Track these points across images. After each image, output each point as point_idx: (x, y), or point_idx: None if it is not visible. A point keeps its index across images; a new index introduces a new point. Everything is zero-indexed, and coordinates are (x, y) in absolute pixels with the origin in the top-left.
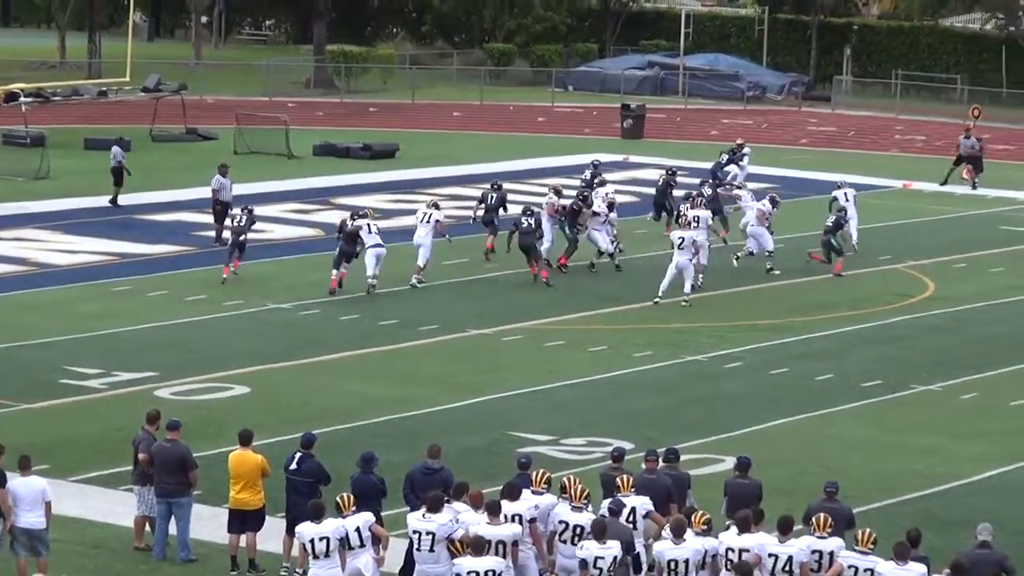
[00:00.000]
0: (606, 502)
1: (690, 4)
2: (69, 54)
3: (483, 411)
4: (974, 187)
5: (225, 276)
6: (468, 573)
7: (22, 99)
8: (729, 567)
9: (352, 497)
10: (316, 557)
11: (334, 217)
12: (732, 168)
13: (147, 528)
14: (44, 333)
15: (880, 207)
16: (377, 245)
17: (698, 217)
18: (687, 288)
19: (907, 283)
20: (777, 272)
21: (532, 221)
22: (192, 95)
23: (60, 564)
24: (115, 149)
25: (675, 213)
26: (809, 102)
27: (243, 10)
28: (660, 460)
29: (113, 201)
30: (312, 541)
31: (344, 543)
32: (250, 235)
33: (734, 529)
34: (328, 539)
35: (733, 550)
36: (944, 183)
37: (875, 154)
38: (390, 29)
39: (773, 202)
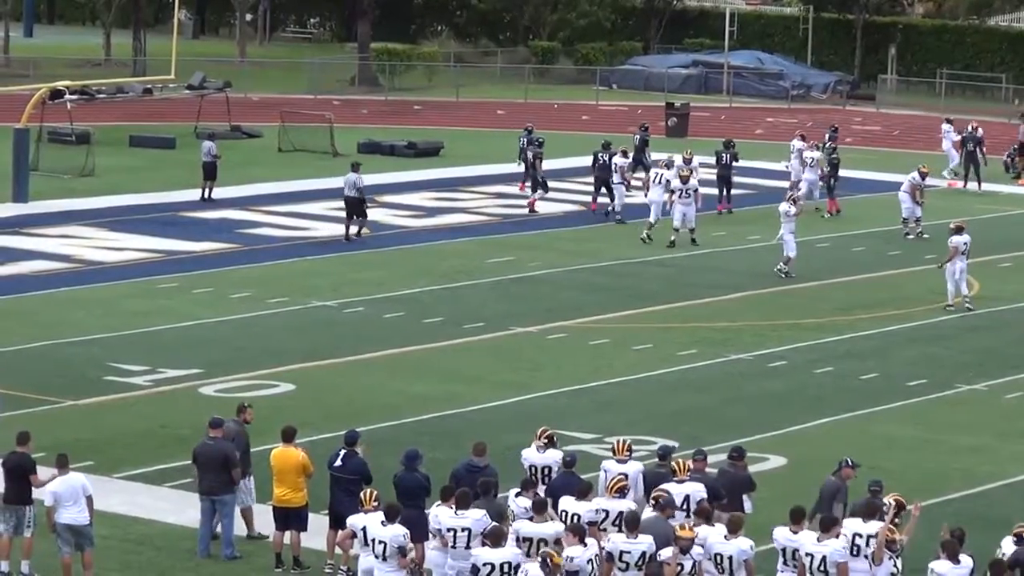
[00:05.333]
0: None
1: (734, 2)
2: (114, 52)
3: (527, 409)
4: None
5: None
6: (484, 565)
7: (67, 97)
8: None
9: (374, 492)
10: (376, 556)
11: (378, 215)
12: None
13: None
14: (89, 330)
15: (924, 206)
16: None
17: None
18: (964, 289)
19: None
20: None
21: (728, 156)
22: (237, 93)
23: (105, 560)
24: (208, 144)
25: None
26: (854, 101)
27: (287, 8)
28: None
29: (208, 197)
30: (373, 541)
31: (403, 551)
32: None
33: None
34: (386, 544)
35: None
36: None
37: (920, 153)
38: (434, 27)
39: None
